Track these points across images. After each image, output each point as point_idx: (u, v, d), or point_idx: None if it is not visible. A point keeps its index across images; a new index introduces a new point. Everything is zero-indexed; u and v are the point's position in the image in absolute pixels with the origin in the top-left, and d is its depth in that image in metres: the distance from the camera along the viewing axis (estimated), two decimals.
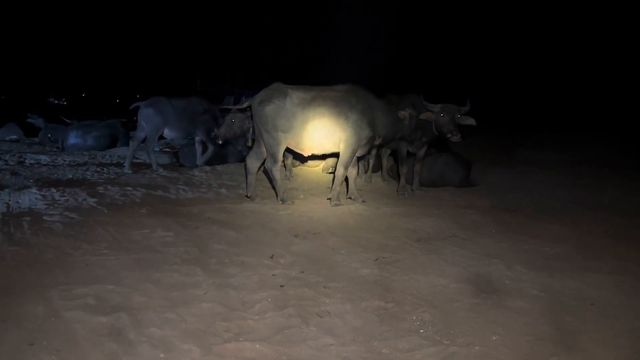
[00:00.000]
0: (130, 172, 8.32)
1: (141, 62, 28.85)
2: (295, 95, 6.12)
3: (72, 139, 11.08)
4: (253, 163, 6.53)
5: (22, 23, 25.43)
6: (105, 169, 8.72)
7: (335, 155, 6.50)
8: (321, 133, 6.16)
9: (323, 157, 7.67)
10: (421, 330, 3.28)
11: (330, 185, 6.65)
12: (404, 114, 6.43)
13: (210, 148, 9.08)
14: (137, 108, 8.72)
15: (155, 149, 9.80)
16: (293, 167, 8.35)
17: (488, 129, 13.72)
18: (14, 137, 12.69)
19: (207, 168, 8.69)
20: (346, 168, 6.36)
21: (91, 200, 6.23)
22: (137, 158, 10.26)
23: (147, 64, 28.79)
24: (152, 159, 8.71)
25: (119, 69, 30.08)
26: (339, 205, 6.32)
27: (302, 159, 7.34)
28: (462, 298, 3.77)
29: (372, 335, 3.21)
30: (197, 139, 9.05)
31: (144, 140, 8.76)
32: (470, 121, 6.49)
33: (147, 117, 8.55)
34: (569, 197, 7.04)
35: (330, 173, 7.89)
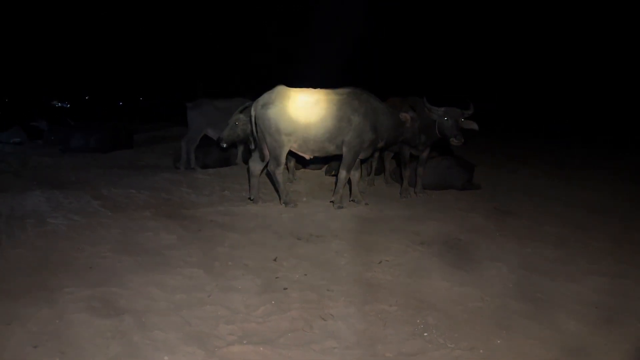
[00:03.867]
0: (193, 167, 8.89)
1: (143, 64, 28.92)
2: (299, 98, 6.13)
3: (75, 141, 11.10)
4: (256, 166, 6.54)
5: (27, 27, 25.53)
6: (108, 171, 8.73)
7: (338, 158, 6.51)
8: (324, 136, 6.18)
9: (326, 159, 7.67)
10: (425, 334, 3.28)
11: (333, 188, 6.65)
12: (405, 116, 6.44)
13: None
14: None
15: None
16: (296, 169, 8.35)
17: (491, 132, 13.74)
18: (18, 139, 12.71)
19: (211, 171, 8.70)
20: (349, 171, 6.37)
21: (95, 203, 6.22)
22: (141, 160, 10.28)
23: (149, 66, 28.86)
24: (191, 158, 9.01)
25: (121, 71, 30.17)
26: (342, 208, 6.32)
27: (304, 161, 7.34)
28: (465, 301, 3.76)
29: (376, 339, 3.21)
30: None
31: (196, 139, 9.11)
32: (473, 125, 6.50)
33: (191, 118, 8.97)
34: (571, 201, 7.03)
35: (333, 176, 7.89)
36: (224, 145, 7.48)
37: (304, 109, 6.10)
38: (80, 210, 5.85)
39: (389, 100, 7.38)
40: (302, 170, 8.73)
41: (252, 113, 6.34)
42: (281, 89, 6.27)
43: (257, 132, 6.42)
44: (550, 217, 6.18)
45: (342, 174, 6.34)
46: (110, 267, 4.19)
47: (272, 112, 6.09)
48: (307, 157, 6.54)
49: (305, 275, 4.20)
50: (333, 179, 7.61)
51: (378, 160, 8.20)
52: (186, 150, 9.04)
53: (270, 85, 6.42)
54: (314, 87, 6.45)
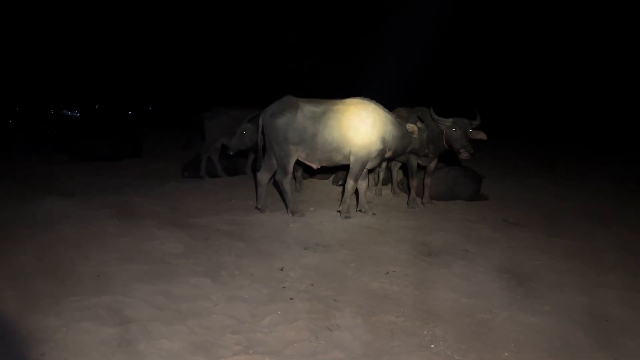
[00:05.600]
0: (206, 177, 8.98)
1: (152, 73, 29.20)
2: (306, 108, 6.15)
3: (85, 149, 11.18)
4: (263, 175, 6.55)
5: (38, 36, 25.88)
6: (116, 179, 8.78)
7: (346, 167, 6.50)
8: (331, 146, 6.18)
9: (333, 169, 7.67)
10: (432, 346, 3.25)
11: (340, 198, 6.64)
12: (412, 127, 6.42)
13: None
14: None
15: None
16: (303, 179, 8.36)
17: (499, 142, 13.69)
18: (27, 146, 12.81)
19: (218, 180, 8.73)
20: (356, 181, 6.37)
21: (102, 211, 6.23)
22: (149, 168, 10.33)
23: (157, 74, 29.13)
24: (202, 166, 9.10)
25: (130, 80, 30.49)
26: (349, 217, 6.31)
27: (312, 171, 7.35)
28: (473, 313, 3.73)
29: (383, 350, 3.18)
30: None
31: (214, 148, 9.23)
32: (481, 135, 6.47)
33: (207, 128, 9.07)
34: (580, 212, 6.98)
35: (340, 185, 7.89)
36: (232, 154, 7.52)
37: (311, 119, 6.12)
38: (87, 218, 5.87)
39: (396, 110, 7.38)
40: (310, 179, 8.74)
41: (260, 122, 6.37)
42: (289, 98, 6.29)
43: (265, 141, 6.44)
44: (559, 228, 6.13)
45: (350, 183, 6.33)
46: (117, 275, 4.19)
47: (280, 122, 6.11)
48: (315, 166, 6.55)
49: (312, 285, 4.19)
50: (340, 188, 7.62)
51: (385, 170, 8.19)
52: (212, 159, 9.19)
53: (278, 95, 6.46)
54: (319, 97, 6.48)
